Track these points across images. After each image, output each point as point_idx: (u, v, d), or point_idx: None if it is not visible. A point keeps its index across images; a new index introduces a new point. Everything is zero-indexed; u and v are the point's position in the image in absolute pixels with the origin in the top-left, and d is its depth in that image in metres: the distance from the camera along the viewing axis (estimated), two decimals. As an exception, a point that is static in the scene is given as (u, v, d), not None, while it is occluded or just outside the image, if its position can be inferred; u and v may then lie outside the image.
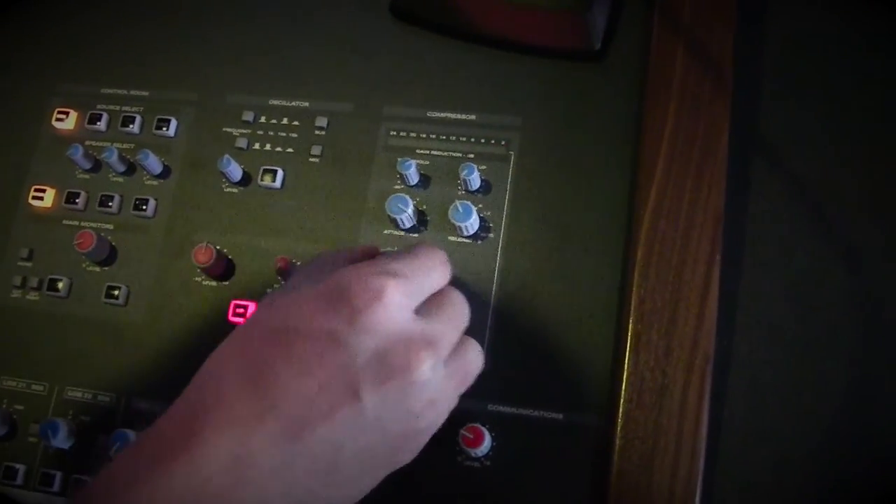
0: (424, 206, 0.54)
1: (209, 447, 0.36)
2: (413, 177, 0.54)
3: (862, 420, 0.51)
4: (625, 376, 0.49)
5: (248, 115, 0.57)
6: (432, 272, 0.43)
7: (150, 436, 0.38)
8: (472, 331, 0.43)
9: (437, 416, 0.41)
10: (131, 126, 0.58)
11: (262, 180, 0.56)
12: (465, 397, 0.43)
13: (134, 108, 0.59)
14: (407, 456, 0.41)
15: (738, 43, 0.54)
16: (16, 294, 0.57)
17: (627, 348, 0.49)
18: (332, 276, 0.40)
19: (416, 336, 0.39)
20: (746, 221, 0.54)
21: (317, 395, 0.37)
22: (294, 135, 0.57)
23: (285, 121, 0.57)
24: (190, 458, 0.36)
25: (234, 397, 0.37)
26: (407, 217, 0.52)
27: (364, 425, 0.38)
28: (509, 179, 0.54)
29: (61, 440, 0.52)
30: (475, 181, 0.53)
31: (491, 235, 0.53)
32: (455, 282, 0.44)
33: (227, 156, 0.55)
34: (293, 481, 0.37)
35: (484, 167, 0.54)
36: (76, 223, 0.57)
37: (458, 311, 0.43)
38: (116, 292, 0.55)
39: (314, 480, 0.38)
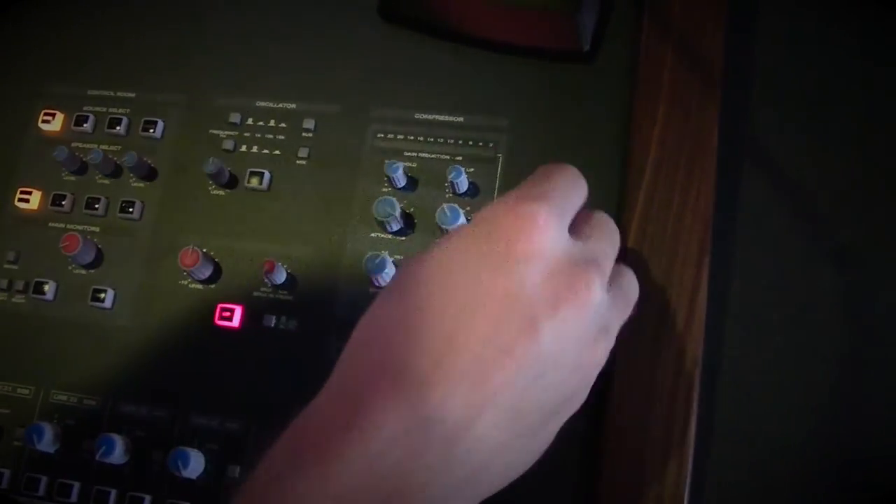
0: (412, 209, 0.53)
1: (379, 420, 0.33)
2: (400, 179, 0.53)
3: (852, 424, 0.50)
4: (612, 381, 0.49)
5: (235, 117, 0.57)
6: (572, 189, 0.40)
7: (310, 417, 0.35)
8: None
9: (608, 345, 0.39)
10: (118, 128, 0.58)
11: (248, 183, 0.55)
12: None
13: (121, 110, 0.59)
14: (581, 395, 0.39)
15: (729, 45, 0.54)
16: (1, 297, 0.56)
17: (616, 352, 0.49)
18: (477, 215, 0.37)
19: (578, 256, 0.37)
20: (735, 223, 0.54)
21: (493, 335, 0.34)
22: (281, 137, 0.56)
23: (272, 122, 0.57)
24: (360, 435, 0.33)
25: (399, 362, 0.34)
26: (394, 220, 0.52)
27: (545, 359, 0.35)
28: (497, 182, 0.53)
29: (47, 444, 0.51)
30: (463, 184, 0.53)
31: (478, 239, 0.52)
32: None
33: (212, 158, 0.54)
34: (479, 438, 0.34)
35: (472, 169, 0.54)
36: (62, 225, 0.57)
37: (611, 230, 0.41)
38: (103, 295, 0.55)
39: (501, 434, 0.35)
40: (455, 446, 0.34)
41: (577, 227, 0.40)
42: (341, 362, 0.37)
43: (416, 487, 0.34)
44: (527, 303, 0.35)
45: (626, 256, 0.50)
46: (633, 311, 0.43)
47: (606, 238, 0.41)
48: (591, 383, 0.40)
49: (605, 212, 0.51)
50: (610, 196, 0.52)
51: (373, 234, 0.53)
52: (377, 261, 0.51)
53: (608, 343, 0.40)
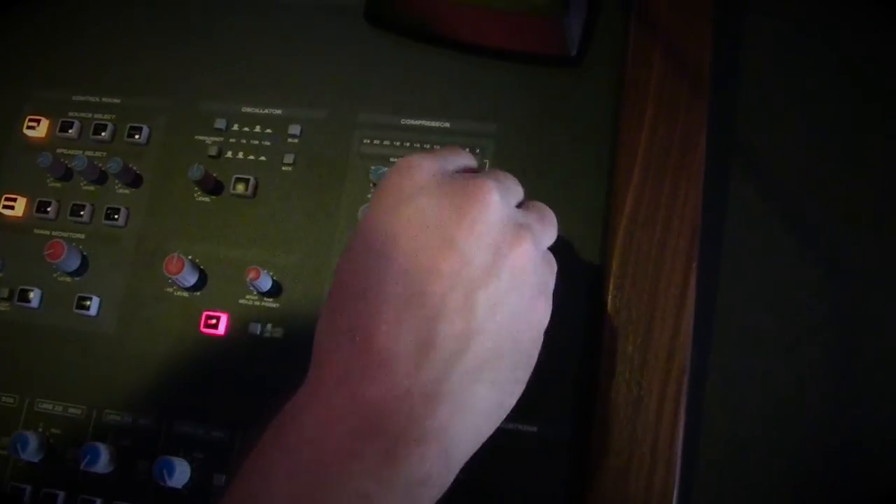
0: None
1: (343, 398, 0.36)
2: (386, 185, 0.53)
3: (841, 429, 0.50)
4: (600, 389, 0.49)
5: (221, 123, 0.57)
6: (515, 182, 0.43)
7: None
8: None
9: (547, 304, 0.41)
10: (103, 134, 0.58)
11: (234, 189, 0.55)
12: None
13: (106, 116, 0.58)
14: (535, 344, 0.40)
15: (716, 47, 0.54)
16: (-13, 305, 0.56)
17: (603, 360, 0.49)
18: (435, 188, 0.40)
19: (521, 219, 0.40)
20: (723, 228, 0.54)
21: (461, 269, 0.37)
22: (267, 143, 0.56)
23: (258, 128, 0.56)
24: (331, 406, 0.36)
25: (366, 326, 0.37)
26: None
27: (504, 292, 0.38)
28: (484, 188, 0.53)
29: (31, 453, 0.51)
30: None
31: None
32: None
33: (197, 164, 0.54)
34: (464, 390, 0.37)
35: (460, 175, 0.53)
36: (47, 232, 0.57)
37: (550, 216, 0.43)
38: (88, 303, 0.55)
39: (482, 378, 0.37)
40: (446, 409, 0.36)
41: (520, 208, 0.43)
42: (320, 346, 0.39)
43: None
44: (485, 248, 0.38)
45: (611, 265, 0.50)
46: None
47: (545, 218, 0.43)
48: (541, 336, 0.41)
49: (593, 217, 0.51)
50: (597, 201, 0.52)
51: (359, 241, 0.53)
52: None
53: (547, 301, 0.41)
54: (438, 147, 0.54)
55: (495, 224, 0.39)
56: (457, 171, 0.42)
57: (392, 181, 0.40)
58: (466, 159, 0.44)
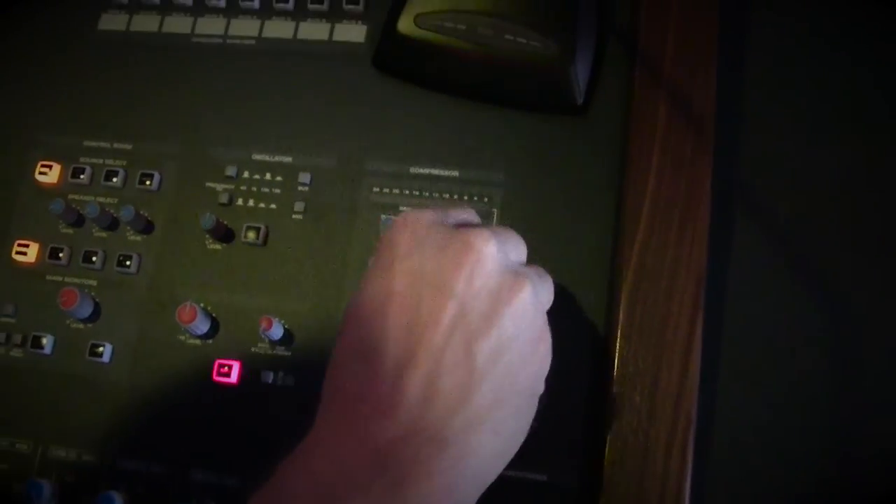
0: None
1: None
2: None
3: (846, 472, 0.51)
4: (608, 438, 0.49)
5: (231, 170, 0.57)
6: (518, 239, 0.44)
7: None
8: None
9: (548, 351, 0.42)
10: (115, 180, 0.58)
11: (245, 237, 0.56)
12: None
13: (117, 162, 0.59)
14: (540, 385, 0.42)
15: (720, 92, 0.54)
16: (0, 350, 0.57)
17: (610, 410, 0.50)
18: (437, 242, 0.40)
19: (512, 266, 0.41)
20: (728, 275, 0.54)
21: (460, 321, 0.38)
22: (277, 190, 0.57)
23: (268, 176, 0.57)
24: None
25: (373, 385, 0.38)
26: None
27: (506, 341, 0.39)
28: (492, 237, 0.54)
29: (45, 501, 0.52)
30: None
31: (474, 294, 0.53)
32: None
33: (209, 213, 0.55)
34: (466, 436, 0.37)
35: (468, 225, 0.54)
36: (60, 278, 0.57)
37: (548, 276, 0.44)
38: (101, 349, 0.55)
39: (485, 427, 0.38)
40: (443, 448, 0.37)
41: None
42: (331, 386, 0.41)
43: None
44: (484, 297, 0.39)
45: (618, 315, 0.50)
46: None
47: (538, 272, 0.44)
48: (542, 384, 0.42)
49: (600, 266, 0.51)
50: (604, 250, 0.53)
51: (369, 289, 0.54)
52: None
53: (547, 349, 0.42)
54: (446, 196, 0.55)
55: (493, 273, 0.39)
56: (456, 225, 0.42)
57: (390, 237, 0.41)
58: (466, 214, 0.44)
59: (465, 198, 0.55)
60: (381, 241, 0.41)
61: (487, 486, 0.39)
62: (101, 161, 0.59)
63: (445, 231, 0.41)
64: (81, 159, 0.59)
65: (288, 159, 0.57)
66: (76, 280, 0.57)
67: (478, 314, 0.38)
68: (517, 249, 0.43)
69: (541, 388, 0.42)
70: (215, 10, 0.62)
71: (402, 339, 0.38)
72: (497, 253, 0.40)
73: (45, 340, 0.56)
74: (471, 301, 0.38)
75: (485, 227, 0.41)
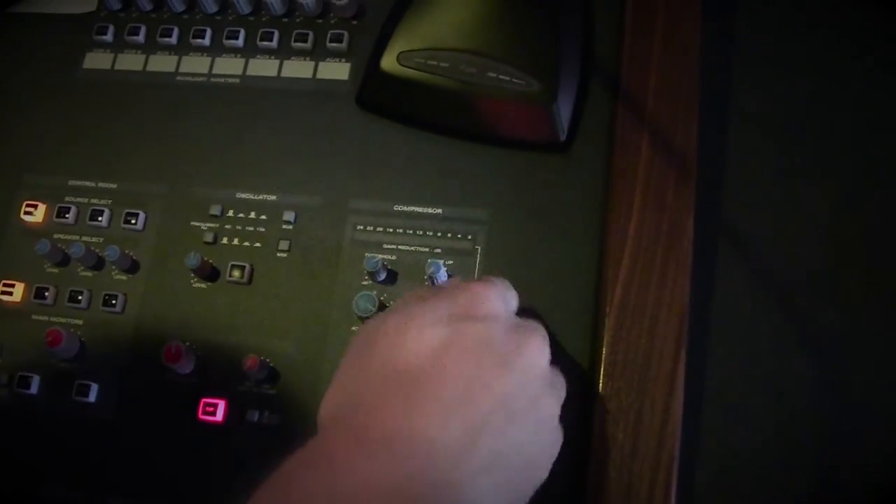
0: (392, 303, 0.54)
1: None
2: (380, 273, 0.54)
3: (831, 505, 0.51)
4: (590, 475, 0.49)
5: (216, 209, 0.57)
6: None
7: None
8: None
9: (559, 396, 0.45)
10: (100, 219, 0.58)
11: (230, 276, 0.56)
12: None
13: (102, 201, 0.59)
14: (554, 442, 0.44)
15: (702, 128, 0.55)
16: (-15, 390, 0.57)
17: (594, 448, 0.50)
18: (427, 290, 0.45)
19: (523, 324, 0.44)
20: (711, 311, 0.55)
21: (475, 372, 0.40)
22: (262, 229, 0.57)
23: (253, 214, 0.57)
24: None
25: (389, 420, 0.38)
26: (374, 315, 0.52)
27: (516, 393, 0.41)
28: (476, 274, 0.54)
29: (33, 543, 0.52)
30: (442, 277, 0.53)
31: (458, 333, 0.53)
32: None
33: (193, 252, 0.55)
34: (470, 476, 0.38)
35: (451, 262, 0.54)
36: (46, 318, 0.57)
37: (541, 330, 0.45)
38: (87, 389, 0.55)
39: (488, 475, 0.39)
40: (448, 489, 0.37)
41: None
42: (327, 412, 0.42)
43: None
44: (496, 348, 0.41)
45: (601, 353, 0.51)
46: None
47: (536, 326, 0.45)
48: (560, 435, 0.44)
49: (583, 305, 0.52)
50: (587, 288, 0.53)
51: (354, 328, 0.54)
52: (358, 357, 0.51)
53: (559, 395, 0.45)
54: (430, 234, 0.55)
55: (543, 363, 0.43)
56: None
57: (465, 296, 0.43)
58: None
59: (449, 235, 0.55)
60: (458, 293, 0.43)
61: None
62: (86, 200, 0.59)
63: (511, 320, 0.44)
64: (67, 199, 0.60)
65: (272, 198, 0.57)
66: (62, 320, 0.57)
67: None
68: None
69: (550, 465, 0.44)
70: (200, 49, 0.62)
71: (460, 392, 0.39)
72: (546, 356, 0.44)
73: (31, 380, 0.56)
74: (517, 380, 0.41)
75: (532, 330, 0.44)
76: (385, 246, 0.55)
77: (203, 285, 0.56)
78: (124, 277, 0.57)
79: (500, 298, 0.44)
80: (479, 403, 0.39)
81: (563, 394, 0.45)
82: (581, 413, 0.51)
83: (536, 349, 0.43)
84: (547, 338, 0.44)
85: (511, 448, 0.40)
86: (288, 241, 0.56)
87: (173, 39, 0.62)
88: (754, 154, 0.57)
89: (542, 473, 0.43)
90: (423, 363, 0.40)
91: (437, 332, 0.40)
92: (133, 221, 0.58)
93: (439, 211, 0.56)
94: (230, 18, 0.62)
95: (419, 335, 0.40)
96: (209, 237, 0.57)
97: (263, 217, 0.57)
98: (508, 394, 0.40)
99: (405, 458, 0.37)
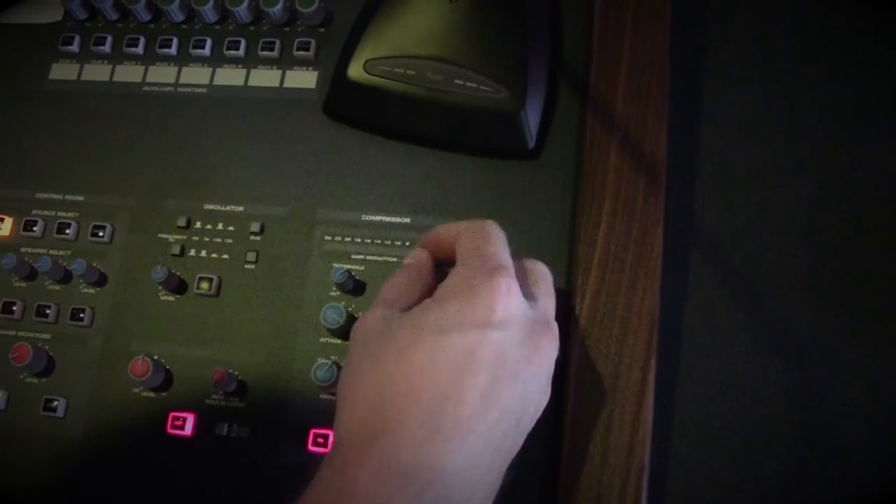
0: (360, 314, 0.53)
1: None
2: (348, 284, 0.53)
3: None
4: (560, 486, 0.49)
5: (182, 221, 0.57)
6: (505, 245, 0.46)
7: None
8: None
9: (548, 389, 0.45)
10: (67, 232, 0.58)
11: (198, 288, 0.55)
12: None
13: (70, 214, 0.59)
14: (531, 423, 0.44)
15: (672, 133, 0.54)
16: (-47, 406, 0.56)
17: (563, 458, 0.49)
18: (447, 289, 0.43)
19: (537, 318, 0.43)
20: (682, 318, 0.54)
21: (488, 389, 0.40)
22: (229, 240, 0.56)
23: (220, 226, 0.57)
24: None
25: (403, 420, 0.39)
26: (342, 328, 0.52)
27: (524, 404, 0.42)
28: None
29: (0, 561, 0.52)
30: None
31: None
32: None
33: (160, 265, 0.54)
34: (476, 478, 0.40)
35: (419, 272, 0.54)
36: (13, 333, 0.57)
37: (549, 280, 0.47)
38: (55, 404, 0.55)
39: (490, 469, 0.41)
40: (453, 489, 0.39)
41: (521, 282, 0.45)
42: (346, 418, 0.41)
43: None
44: (510, 363, 0.41)
45: (570, 362, 0.50)
46: None
47: (548, 291, 0.47)
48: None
49: (554, 314, 0.51)
50: (557, 298, 0.52)
51: (322, 339, 0.54)
52: (325, 369, 0.51)
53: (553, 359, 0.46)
54: (398, 244, 0.55)
55: (549, 366, 0.44)
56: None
57: (481, 298, 0.42)
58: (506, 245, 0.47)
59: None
60: (475, 295, 0.42)
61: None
62: (53, 213, 0.59)
63: (527, 322, 0.43)
64: (34, 212, 0.59)
65: (239, 209, 0.57)
66: (30, 334, 0.57)
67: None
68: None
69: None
70: (166, 59, 0.61)
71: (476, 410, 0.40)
72: (555, 352, 0.44)
73: (-1, 396, 0.56)
74: (526, 393, 0.42)
75: (553, 324, 0.45)
76: (353, 256, 0.55)
77: (171, 298, 0.56)
78: (92, 291, 0.57)
79: (516, 293, 0.43)
80: (490, 416, 0.40)
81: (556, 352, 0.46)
82: (551, 423, 0.51)
83: (546, 355, 0.43)
84: (556, 330, 0.45)
85: (522, 428, 0.43)
86: (255, 253, 0.56)
87: (140, 49, 0.62)
88: (725, 157, 0.56)
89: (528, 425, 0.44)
90: (443, 381, 0.40)
91: (455, 342, 0.40)
92: (100, 234, 0.58)
93: (407, 220, 0.55)
94: (197, 27, 0.62)
95: (436, 345, 0.40)
96: (176, 249, 0.57)
97: (231, 228, 0.57)
98: (516, 404, 0.41)
99: (427, 487, 0.38)
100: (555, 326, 0.44)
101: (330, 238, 0.56)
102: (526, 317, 0.43)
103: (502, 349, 0.41)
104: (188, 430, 0.53)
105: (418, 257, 0.48)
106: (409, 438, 0.38)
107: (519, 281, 0.44)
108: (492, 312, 0.41)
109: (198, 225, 0.57)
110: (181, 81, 0.61)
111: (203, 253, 0.57)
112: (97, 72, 0.62)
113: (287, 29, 0.61)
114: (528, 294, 0.45)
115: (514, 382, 0.41)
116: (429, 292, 0.45)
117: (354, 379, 0.42)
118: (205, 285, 0.55)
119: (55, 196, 0.59)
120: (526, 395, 0.42)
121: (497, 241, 0.45)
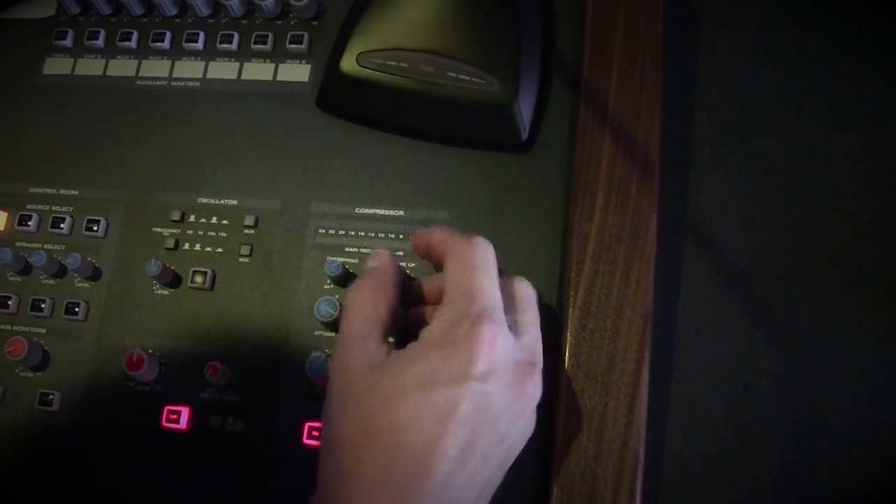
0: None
1: None
2: (342, 277, 0.53)
3: (798, 505, 0.51)
4: (554, 479, 0.49)
5: (177, 214, 0.57)
6: (495, 277, 0.45)
7: None
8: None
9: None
10: (62, 226, 0.58)
11: (192, 282, 0.55)
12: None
13: (64, 208, 0.59)
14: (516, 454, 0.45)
15: (665, 127, 0.54)
16: (-52, 401, 0.56)
17: (558, 452, 0.49)
18: (429, 339, 0.42)
19: (522, 358, 0.43)
20: (676, 309, 0.54)
21: (471, 443, 0.40)
22: (223, 234, 0.56)
23: (214, 219, 0.57)
24: None
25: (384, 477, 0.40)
26: (336, 321, 0.52)
27: (508, 448, 0.43)
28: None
29: (-4, 555, 0.52)
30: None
31: (421, 336, 0.52)
32: None
33: (154, 259, 0.54)
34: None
35: (413, 264, 0.54)
36: (8, 327, 0.57)
37: (534, 305, 0.47)
38: (50, 398, 0.55)
39: (479, 500, 0.42)
40: None
41: (507, 309, 0.45)
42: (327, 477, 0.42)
43: None
44: (492, 411, 0.41)
45: (564, 356, 0.50)
46: None
47: (534, 318, 0.46)
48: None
49: (546, 306, 0.51)
50: (550, 290, 0.53)
51: (317, 332, 0.54)
52: (318, 363, 0.51)
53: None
54: (392, 236, 0.54)
55: (532, 406, 0.44)
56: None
57: (462, 351, 0.41)
58: (495, 270, 0.46)
59: (411, 237, 0.54)
60: (457, 347, 0.42)
61: None
62: (47, 208, 0.59)
63: (512, 366, 0.43)
64: (28, 206, 0.59)
65: (233, 202, 0.57)
66: (25, 329, 0.57)
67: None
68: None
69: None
70: (159, 53, 0.61)
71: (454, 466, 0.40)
72: (540, 391, 0.44)
73: (-6, 390, 0.56)
74: (510, 440, 0.43)
75: (539, 363, 0.45)
76: (347, 249, 0.55)
77: (165, 292, 0.56)
78: (87, 285, 0.57)
79: (501, 339, 0.42)
80: (471, 465, 0.40)
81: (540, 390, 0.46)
82: (544, 416, 0.51)
83: (531, 396, 0.43)
84: (540, 365, 0.45)
85: (505, 466, 0.43)
86: (249, 246, 0.56)
87: (133, 43, 0.61)
88: (719, 149, 0.56)
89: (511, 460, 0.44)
90: (425, 435, 0.40)
91: (438, 397, 0.40)
92: (95, 228, 0.58)
93: (401, 213, 0.55)
94: (189, 21, 0.62)
95: (420, 400, 0.40)
96: (170, 243, 0.57)
97: (225, 222, 0.57)
98: (497, 447, 0.42)
99: None
100: (539, 363, 0.44)
101: (324, 231, 0.56)
102: (512, 361, 0.42)
103: (486, 401, 0.41)
104: (183, 423, 0.53)
105: (380, 260, 0.47)
106: (392, 491, 0.39)
107: (505, 308, 0.44)
108: (475, 364, 0.41)
109: (192, 219, 0.57)
110: (174, 75, 0.61)
111: (197, 247, 0.57)
112: (91, 66, 0.62)
113: (280, 22, 0.61)
114: (515, 327, 0.45)
115: (496, 428, 0.41)
116: (396, 299, 0.46)
117: (339, 422, 0.42)
118: (199, 279, 0.55)
119: (49, 190, 0.59)
120: (509, 436, 0.42)
121: (484, 274, 0.44)
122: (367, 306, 0.45)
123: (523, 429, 0.44)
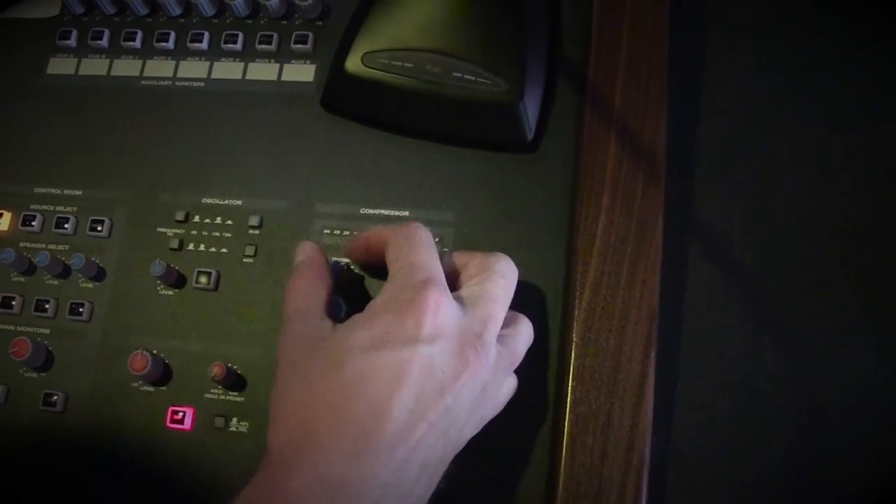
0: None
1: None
2: (346, 277, 0.53)
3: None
4: (560, 480, 0.49)
5: (181, 215, 0.57)
6: (433, 249, 0.46)
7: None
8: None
9: (510, 383, 0.48)
10: (66, 226, 0.58)
11: (197, 282, 0.55)
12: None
13: (68, 209, 0.59)
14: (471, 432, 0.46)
15: (671, 125, 0.54)
16: (-48, 401, 0.56)
17: (563, 452, 0.49)
18: (376, 305, 0.44)
19: (469, 328, 0.44)
20: (682, 310, 0.54)
21: (413, 404, 0.41)
22: (228, 234, 0.56)
23: (219, 220, 0.57)
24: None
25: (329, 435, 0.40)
26: (341, 321, 0.52)
27: (451, 416, 0.42)
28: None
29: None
30: None
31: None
32: None
33: (158, 260, 0.54)
34: (404, 489, 0.41)
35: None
36: (12, 328, 0.57)
37: (498, 279, 0.47)
38: (54, 399, 0.55)
39: (419, 481, 0.42)
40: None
41: (465, 280, 0.47)
42: (279, 433, 0.42)
43: None
44: (437, 377, 0.42)
45: (569, 355, 0.50)
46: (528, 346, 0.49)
47: (495, 292, 0.46)
48: (513, 382, 0.48)
49: (551, 307, 0.51)
50: (555, 290, 0.52)
51: (321, 333, 0.53)
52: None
53: (510, 382, 0.48)
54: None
55: (481, 378, 0.44)
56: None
57: (409, 314, 0.42)
58: (435, 247, 0.47)
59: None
60: (402, 310, 0.43)
61: None
62: (51, 208, 0.59)
63: (457, 333, 0.43)
64: (32, 206, 0.59)
65: (238, 202, 0.57)
66: (29, 329, 0.57)
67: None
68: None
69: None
70: (164, 53, 0.61)
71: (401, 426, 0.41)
72: (490, 362, 0.44)
73: (-2, 391, 0.56)
74: (452, 407, 0.43)
75: (488, 333, 0.45)
76: (352, 250, 0.55)
77: (170, 292, 0.56)
78: (91, 285, 0.57)
79: (445, 305, 0.43)
80: (417, 430, 0.41)
81: (515, 358, 0.47)
82: (550, 417, 0.51)
83: (474, 369, 0.43)
84: (491, 339, 0.45)
85: (451, 440, 0.43)
86: (254, 247, 0.56)
87: (137, 43, 0.61)
88: (725, 149, 0.56)
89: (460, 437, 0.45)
90: (371, 396, 0.40)
91: (384, 358, 0.41)
92: (99, 228, 0.57)
93: (406, 213, 0.55)
94: (194, 21, 0.62)
95: (365, 362, 0.41)
96: (175, 243, 0.56)
97: (229, 222, 0.57)
98: (443, 417, 0.42)
99: (355, 498, 0.39)
100: (489, 336, 0.44)
101: (329, 231, 0.55)
102: (457, 328, 0.43)
103: (430, 364, 0.42)
104: (187, 424, 0.53)
105: (307, 252, 0.49)
106: (339, 452, 0.40)
107: (462, 283, 0.46)
108: (420, 328, 0.42)
109: (196, 219, 0.57)
110: (179, 75, 0.61)
111: (202, 247, 0.56)
112: (95, 66, 0.62)
113: (285, 22, 0.61)
114: (468, 299, 0.45)
115: (441, 396, 0.42)
116: (331, 282, 0.48)
117: (284, 393, 0.43)
118: (203, 279, 0.55)
119: (53, 191, 0.59)
120: (455, 408, 0.42)
121: (424, 248, 0.46)
122: (305, 289, 0.47)
123: (471, 406, 0.44)
